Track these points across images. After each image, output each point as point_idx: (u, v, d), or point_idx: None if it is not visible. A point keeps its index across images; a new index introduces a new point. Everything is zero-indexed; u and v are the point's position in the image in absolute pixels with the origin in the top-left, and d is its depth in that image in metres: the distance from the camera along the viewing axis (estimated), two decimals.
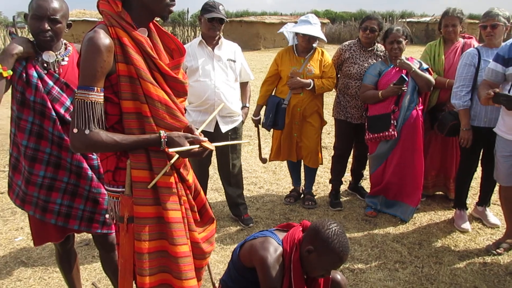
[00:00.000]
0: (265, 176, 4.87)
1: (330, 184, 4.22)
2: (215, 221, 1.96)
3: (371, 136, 3.76)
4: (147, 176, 1.66)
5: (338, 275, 2.29)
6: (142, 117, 1.63)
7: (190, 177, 1.83)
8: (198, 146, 1.68)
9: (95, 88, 1.54)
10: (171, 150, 1.62)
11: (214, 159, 3.75)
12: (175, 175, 1.73)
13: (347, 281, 2.80)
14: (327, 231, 1.94)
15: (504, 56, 3.00)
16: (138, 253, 1.66)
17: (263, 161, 4.21)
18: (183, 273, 1.68)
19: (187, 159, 1.80)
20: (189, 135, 1.68)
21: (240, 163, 3.74)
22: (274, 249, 2.01)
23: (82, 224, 2.26)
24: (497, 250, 3.23)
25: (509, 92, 2.92)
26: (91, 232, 2.34)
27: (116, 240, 1.77)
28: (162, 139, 1.62)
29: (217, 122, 3.48)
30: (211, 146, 1.74)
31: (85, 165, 2.22)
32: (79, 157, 2.19)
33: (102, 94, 1.57)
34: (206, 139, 1.72)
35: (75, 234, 2.51)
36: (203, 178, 3.70)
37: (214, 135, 3.49)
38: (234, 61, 3.52)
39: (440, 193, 4.21)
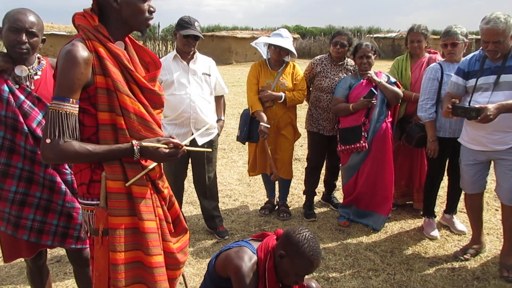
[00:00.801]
0: (240, 189, 4.90)
1: (304, 195, 4.29)
2: (188, 231, 1.98)
3: (343, 147, 3.87)
4: (122, 187, 1.67)
5: (313, 283, 2.33)
6: (117, 129, 1.65)
7: (166, 189, 1.85)
8: (170, 145, 1.70)
9: (71, 99, 1.55)
10: (144, 144, 1.64)
11: (189, 172, 3.75)
12: (151, 186, 1.75)
13: None
14: (298, 236, 1.99)
15: (465, 69, 3.17)
16: (113, 264, 1.65)
17: (275, 178, 3.98)
18: (158, 283, 1.69)
19: (162, 170, 1.83)
20: (161, 138, 1.70)
21: (215, 176, 3.75)
22: (248, 258, 2.04)
23: (56, 239, 2.22)
24: (464, 256, 3.35)
25: (469, 103, 3.08)
26: (65, 247, 2.31)
27: (91, 254, 1.77)
28: (135, 147, 1.63)
29: (192, 135, 3.50)
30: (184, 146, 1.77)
31: (59, 179, 2.19)
32: (52, 172, 2.17)
33: (77, 106, 1.57)
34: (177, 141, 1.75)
35: (47, 250, 2.46)
36: (178, 191, 3.69)
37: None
38: (209, 75, 3.57)
39: (410, 202, 4.35)
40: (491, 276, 3.11)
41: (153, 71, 1.81)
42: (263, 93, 3.83)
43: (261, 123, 3.78)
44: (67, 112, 1.54)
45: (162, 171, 1.84)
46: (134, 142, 1.64)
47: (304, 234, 2.00)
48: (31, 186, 2.14)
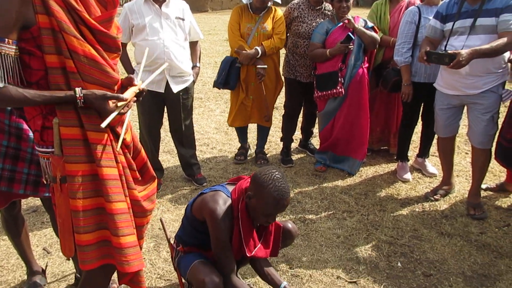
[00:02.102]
0: (217, 137, 4.89)
1: (281, 142, 4.32)
2: (156, 179, 1.97)
3: (320, 94, 3.86)
4: (78, 133, 1.63)
5: (289, 224, 2.39)
6: (67, 72, 1.57)
7: (128, 135, 1.80)
8: (121, 111, 1.65)
9: (6, 39, 1.46)
10: (103, 125, 1.59)
11: (165, 120, 3.70)
12: (110, 132, 1.70)
13: (299, 231, 2.94)
14: (264, 176, 2.00)
15: (443, 13, 3.14)
16: (74, 211, 1.64)
17: (266, 118, 4.04)
18: (120, 229, 1.67)
19: (127, 117, 1.78)
20: (109, 93, 1.62)
21: (192, 123, 3.72)
22: (223, 201, 2.06)
23: (28, 188, 2.18)
24: (435, 197, 3.50)
25: (445, 47, 3.08)
26: (39, 196, 2.28)
27: (52, 201, 1.75)
28: (78, 100, 1.57)
29: (167, 82, 3.41)
30: (134, 91, 1.72)
31: (25, 126, 2.12)
32: (17, 119, 2.09)
33: (15, 46, 1.49)
34: (131, 92, 1.70)
35: (22, 199, 2.43)
36: (154, 140, 3.65)
37: (165, 96, 3.44)
38: (183, 19, 3.43)
39: (385, 148, 4.44)
40: (458, 215, 3.27)
41: (110, 10, 1.69)
42: (240, 57, 3.75)
43: (258, 66, 3.75)
44: (3, 53, 1.46)
45: (127, 118, 1.78)
46: (78, 93, 1.57)
47: (270, 174, 2.01)
48: None
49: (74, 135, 1.62)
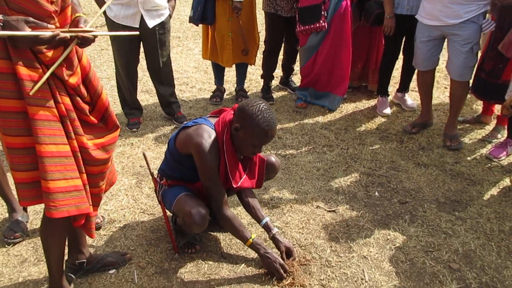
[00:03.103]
0: (197, 76, 4.79)
1: (262, 80, 4.26)
2: (119, 129, 1.90)
3: (302, 28, 3.76)
4: (6, 66, 1.53)
5: (272, 158, 2.42)
6: None
7: (74, 78, 1.69)
8: (40, 33, 1.49)
9: None
10: (0, 33, 1.46)
11: (143, 59, 3.57)
12: (46, 69, 1.59)
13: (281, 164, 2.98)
14: (252, 108, 2.00)
15: None
16: (8, 148, 1.60)
17: (244, 52, 3.93)
18: (49, 173, 1.59)
19: (75, 61, 1.68)
20: (31, 19, 1.49)
21: (170, 61, 3.61)
22: (208, 135, 2.06)
23: None
24: (413, 130, 3.56)
25: None
26: None
27: None
28: None
29: (142, 17, 3.26)
30: (62, 33, 1.54)
31: None
32: None
33: None
34: (52, 28, 1.55)
35: None
36: (132, 78, 3.55)
37: (141, 31, 3.29)
38: None
39: (366, 84, 4.43)
40: (435, 146, 3.35)
41: None
42: None
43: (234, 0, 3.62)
44: None
45: (74, 60, 1.68)
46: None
47: (258, 105, 2.00)
48: None
49: (0, 68, 1.52)
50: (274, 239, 2.25)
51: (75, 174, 1.67)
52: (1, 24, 1.45)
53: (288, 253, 2.21)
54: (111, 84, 4.43)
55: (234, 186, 2.15)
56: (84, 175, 1.72)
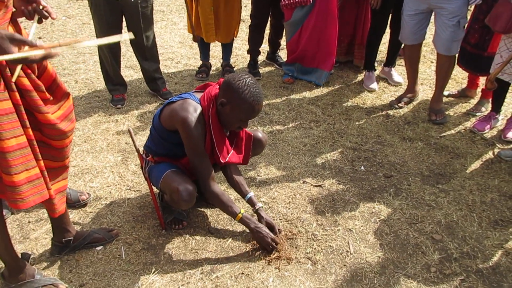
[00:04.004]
0: (182, 51, 4.70)
1: (248, 55, 4.21)
2: (70, 96, 1.83)
3: (286, 2, 3.69)
4: None
5: (259, 133, 2.40)
6: None
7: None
8: (31, 53, 1.33)
9: None
10: (13, 79, 1.41)
11: (124, 33, 3.49)
12: None
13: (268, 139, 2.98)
14: (238, 82, 1.97)
15: None
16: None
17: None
18: (13, 167, 1.56)
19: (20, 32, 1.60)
20: (17, 36, 1.33)
21: (154, 35, 3.53)
22: (193, 109, 2.03)
23: None
24: (399, 104, 3.57)
25: None
26: None
27: None
28: None
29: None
30: (45, 50, 1.34)
31: None
32: None
33: None
34: (37, 44, 1.35)
35: None
36: (114, 53, 3.47)
37: (122, 4, 3.20)
38: None
39: (351, 59, 4.40)
40: (420, 120, 3.38)
41: None
42: None
43: None
44: None
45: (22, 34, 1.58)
46: None
47: (245, 80, 1.98)
48: None
49: None
50: (257, 213, 2.27)
51: (34, 162, 1.65)
52: None
53: (270, 229, 2.22)
54: (94, 59, 4.34)
55: (222, 161, 2.14)
56: (41, 162, 1.69)
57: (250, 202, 2.28)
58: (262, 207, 2.29)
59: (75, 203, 2.46)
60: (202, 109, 2.05)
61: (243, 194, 2.29)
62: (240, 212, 2.14)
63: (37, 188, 1.67)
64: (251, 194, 2.28)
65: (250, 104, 1.97)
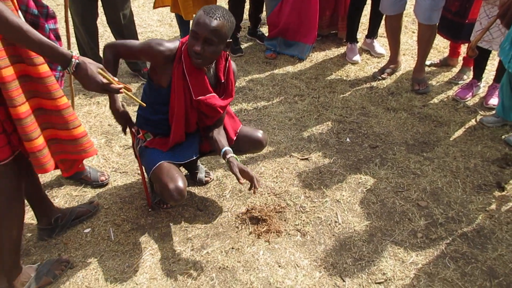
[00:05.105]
0: (162, 30, 4.61)
1: None
2: None
3: None
4: None
5: (259, 133, 2.24)
6: None
7: None
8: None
9: None
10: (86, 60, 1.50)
11: (101, 12, 3.39)
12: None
13: (267, 137, 2.94)
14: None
15: None
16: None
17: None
18: (33, 132, 1.57)
19: None
20: (101, 66, 1.55)
21: (131, 13, 3.43)
22: (169, 41, 1.95)
23: None
24: (382, 76, 3.58)
25: None
26: None
27: None
28: (74, 60, 1.45)
29: None
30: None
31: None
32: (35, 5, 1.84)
33: None
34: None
35: None
36: (91, 34, 3.37)
37: None
38: None
39: (334, 32, 4.37)
40: (404, 91, 3.39)
41: None
42: None
43: None
44: None
45: None
46: (75, 54, 1.45)
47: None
48: None
49: None
50: (228, 162, 2.04)
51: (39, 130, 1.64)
52: (78, 61, 1.46)
53: (244, 175, 2.03)
54: (72, 40, 4.20)
55: (194, 98, 1.98)
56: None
57: (224, 154, 2.07)
58: (235, 157, 2.06)
59: (93, 182, 2.45)
60: (179, 44, 1.95)
61: (219, 150, 2.09)
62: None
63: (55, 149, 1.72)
64: (227, 148, 2.08)
65: (197, 15, 1.84)
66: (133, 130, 2.18)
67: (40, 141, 1.60)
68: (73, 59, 1.46)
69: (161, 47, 1.90)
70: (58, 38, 2.07)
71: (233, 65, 2.12)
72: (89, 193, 2.42)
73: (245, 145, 2.24)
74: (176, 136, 2.09)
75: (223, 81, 2.07)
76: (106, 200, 2.38)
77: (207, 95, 2.01)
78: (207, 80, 2.01)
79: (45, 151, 1.63)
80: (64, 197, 2.39)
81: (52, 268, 1.92)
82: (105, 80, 1.54)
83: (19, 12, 1.62)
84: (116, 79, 1.63)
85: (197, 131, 2.19)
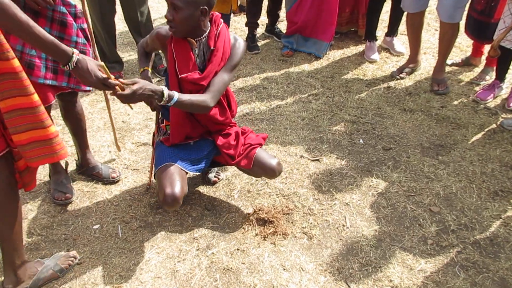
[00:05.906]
0: None
1: (247, 28, 4.12)
2: None
3: None
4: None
5: (273, 162, 2.13)
6: None
7: None
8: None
9: None
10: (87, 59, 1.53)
11: (119, 9, 3.42)
12: None
13: (281, 163, 2.93)
14: None
15: None
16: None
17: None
18: (45, 121, 1.58)
19: None
20: (101, 63, 1.58)
21: (148, 10, 3.46)
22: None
23: (71, 80, 2.07)
24: (400, 75, 3.49)
25: None
26: (81, 90, 2.17)
27: None
28: (75, 56, 1.48)
29: None
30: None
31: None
32: (62, 3, 1.91)
33: None
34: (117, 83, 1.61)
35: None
36: (109, 30, 3.42)
37: None
38: None
39: (354, 29, 4.29)
40: (422, 91, 3.30)
41: None
42: None
43: None
44: None
45: None
46: (76, 52, 1.48)
47: None
48: (38, 19, 1.87)
49: None
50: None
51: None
52: (77, 58, 1.49)
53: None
54: None
55: (180, 76, 1.92)
56: None
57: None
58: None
59: (104, 179, 2.49)
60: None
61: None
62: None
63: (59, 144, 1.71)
64: (163, 87, 1.85)
65: None
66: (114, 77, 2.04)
67: (26, 136, 1.58)
68: (74, 55, 1.48)
69: (159, 29, 1.96)
70: (87, 38, 2.10)
71: (230, 34, 2.03)
72: (100, 190, 2.45)
73: (258, 170, 2.15)
74: (175, 120, 2.05)
75: (212, 47, 1.96)
76: (115, 196, 2.41)
77: (190, 73, 1.93)
78: (193, 56, 1.93)
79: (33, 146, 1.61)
80: (76, 193, 2.43)
81: (59, 262, 1.95)
82: (105, 75, 1.57)
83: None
84: (113, 76, 1.64)
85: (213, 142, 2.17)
